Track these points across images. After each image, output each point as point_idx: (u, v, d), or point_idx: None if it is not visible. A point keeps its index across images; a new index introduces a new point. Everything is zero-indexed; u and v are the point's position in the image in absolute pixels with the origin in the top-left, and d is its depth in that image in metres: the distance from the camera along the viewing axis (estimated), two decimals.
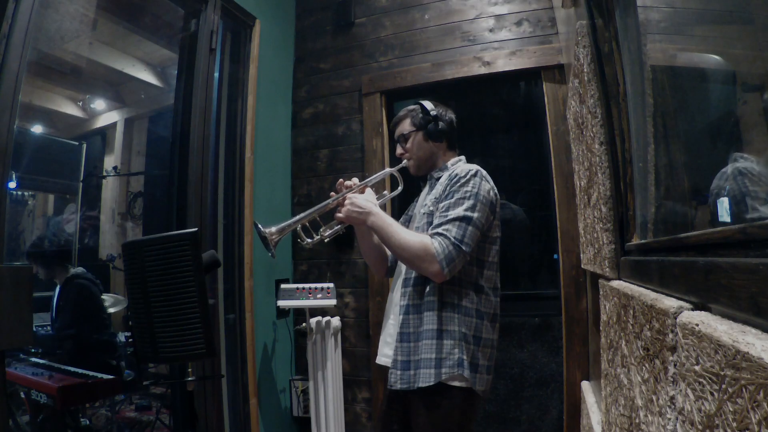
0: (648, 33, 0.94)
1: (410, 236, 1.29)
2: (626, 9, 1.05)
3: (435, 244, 1.23)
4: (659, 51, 0.93)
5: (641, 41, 0.96)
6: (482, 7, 2.54)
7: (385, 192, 1.58)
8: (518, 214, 2.50)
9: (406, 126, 1.49)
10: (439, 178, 1.45)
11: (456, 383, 1.25)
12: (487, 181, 1.34)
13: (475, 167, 1.34)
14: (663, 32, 0.92)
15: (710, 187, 0.71)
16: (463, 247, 1.23)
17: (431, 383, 1.24)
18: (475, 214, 1.26)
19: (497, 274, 1.38)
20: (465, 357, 1.25)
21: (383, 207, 1.47)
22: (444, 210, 1.29)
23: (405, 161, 1.50)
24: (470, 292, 1.31)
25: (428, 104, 1.47)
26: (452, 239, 1.23)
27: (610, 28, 1.12)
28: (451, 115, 1.50)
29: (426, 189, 1.52)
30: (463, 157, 1.52)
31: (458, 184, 1.31)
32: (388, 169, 1.57)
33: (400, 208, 2.54)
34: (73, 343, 2.49)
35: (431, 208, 1.37)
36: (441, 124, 1.45)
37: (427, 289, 1.32)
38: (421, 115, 1.47)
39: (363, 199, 1.40)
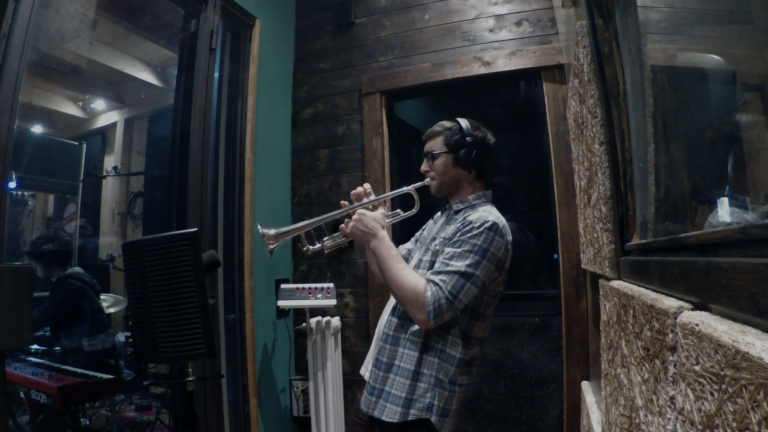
0: (648, 33, 0.94)
1: (407, 275, 1.24)
2: (626, 9, 1.05)
3: (428, 293, 1.19)
4: (659, 51, 0.93)
5: (641, 41, 0.96)
6: (482, 7, 2.54)
7: (399, 211, 1.49)
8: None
9: (437, 143, 1.40)
10: (458, 211, 1.38)
11: (422, 419, 1.24)
12: (501, 236, 1.25)
13: (492, 218, 1.25)
14: (663, 32, 0.92)
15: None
16: (455, 303, 1.19)
17: (395, 420, 1.23)
18: (477, 272, 1.21)
19: (489, 324, 1.34)
20: (436, 402, 1.23)
21: (389, 227, 1.41)
22: (447, 257, 1.23)
23: (428, 180, 1.42)
24: (457, 340, 1.27)
25: (466, 125, 1.37)
26: (446, 292, 1.19)
27: (610, 28, 1.12)
28: (489, 139, 1.40)
29: (443, 218, 1.44)
30: (489, 194, 1.42)
31: (469, 234, 1.23)
32: (406, 188, 1.46)
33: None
34: (66, 344, 2.49)
35: (437, 248, 1.32)
36: (474, 152, 1.35)
37: (414, 327, 1.28)
38: (457, 136, 1.36)
39: (372, 219, 1.33)
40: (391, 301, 1.39)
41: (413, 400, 1.24)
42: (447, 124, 1.41)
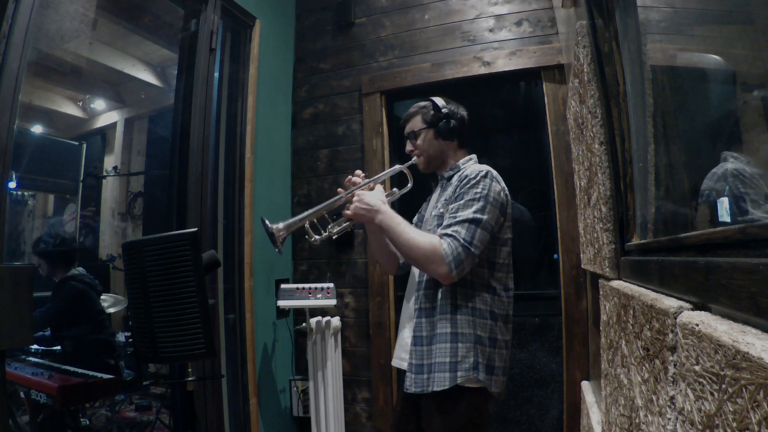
0: (648, 33, 0.94)
1: (419, 236, 1.27)
2: (626, 9, 1.05)
3: (444, 246, 1.22)
4: (659, 51, 0.93)
5: (641, 41, 0.96)
6: (482, 7, 2.54)
7: (395, 189, 1.55)
8: (525, 215, 2.51)
9: (416, 123, 1.47)
10: (450, 178, 1.43)
11: (471, 385, 1.25)
12: (498, 182, 1.32)
13: (485, 168, 1.32)
14: (663, 32, 0.92)
15: (701, 188, 0.71)
16: (472, 249, 1.22)
17: (446, 387, 1.24)
18: (485, 216, 1.25)
19: (509, 274, 1.38)
20: (480, 360, 1.25)
21: (392, 204, 1.45)
22: (453, 211, 1.28)
23: (414, 158, 1.48)
24: (483, 293, 1.30)
25: (440, 101, 1.45)
26: (461, 241, 1.22)
27: (610, 28, 1.12)
28: (462, 112, 1.48)
29: (438, 190, 1.50)
30: (474, 156, 1.49)
31: (468, 185, 1.29)
32: (398, 166, 1.53)
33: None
34: (66, 344, 2.50)
35: (441, 211, 1.36)
36: (452, 122, 1.42)
37: (440, 292, 1.31)
38: (432, 112, 1.45)
39: (372, 197, 1.38)
40: (412, 283, 1.42)
41: (458, 362, 1.25)
42: (421, 103, 1.50)
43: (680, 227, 0.82)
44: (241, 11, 2.43)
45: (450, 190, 1.36)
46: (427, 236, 1.27)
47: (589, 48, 1.20)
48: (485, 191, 1.28)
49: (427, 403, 1.30)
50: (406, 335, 1.39)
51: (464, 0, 2.58)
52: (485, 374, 1.25)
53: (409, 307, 1.41)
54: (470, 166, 1.41)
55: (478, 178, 1.29)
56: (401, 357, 1.40)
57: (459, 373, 1.24)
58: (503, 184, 1.35)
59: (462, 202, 1.28)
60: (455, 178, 1.39)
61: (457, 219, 1.25)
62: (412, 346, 1.33)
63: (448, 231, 1.24)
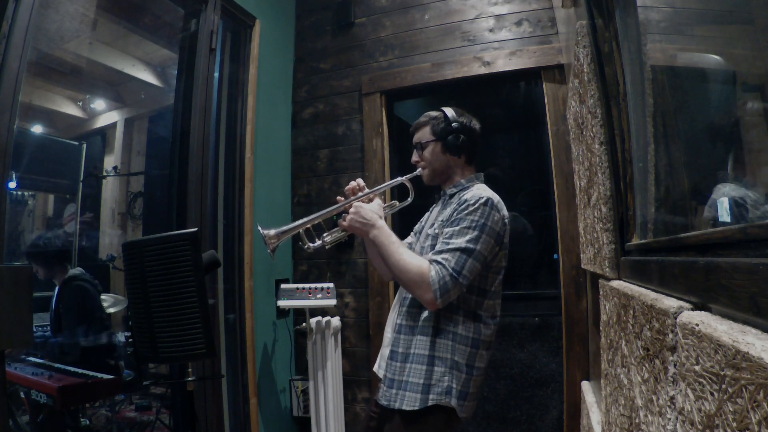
0: (648, 33, 0.94)
1: (409, 259, 1.25)
2: (626, 9, 1.05)
3: (432, 273, 1.20)
4: (659, 51, 0.93)
5: (641, 41, 0.96)
6: (482, 7, 2.54)
7: (395, 201, 1.52)
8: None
9: (425, 134, 1.43)
10: (453, 195, 1.40)
11: (441, 405, 1.25)
12: (497, 210, 1.28)
13: (486, 195, 1.28)
14: (663, 32, 0.92)
15: (703, 216, 0.71)
16: (460, 279, 1.20)
17: (416, 407, 1.23)
18: (478, 246, 1.22)
19: (497, 302, 1.35)
20: (455, 385, 1.24)
21: (389, 217, 1.43)
22: (447, 237, 1.25)
23: (419, 170, 1.45)
24: (467, 320, 1.28)
25: (451, 113, 1.41)
26: (450, 270, 1.20)
27: (610, 28, 1.12)
28: (474, 125, 1.43)
29: (439, 206, 1.47)
30: (481, 176, 1.45)
31: (466, 211, 1.26)
32: (399, 178, 1.50)
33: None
34: (72, 345, 2.49)
35: (437, 231, 1.33)
36: (462, 138, 1.38)
37: (425, 312, 1.29)
38: (442, 124, 1.40)
39: (368, 210, 1.35)
40: (399, 296, 1.41)
41: (431, 385, 1.24)
42: (432, 113, 1.45)
43: (680, 227, 0.82)
44: (241, 11, 2.43)
45: (449, 210, 1.33)
46: (417, 260, 1.25)
47: (589, 48, 1.20)
48: (482, 220, 1.24)
49: (392, 415, 1.29)
50: (387, 345, 1.39)
51: (464, 0, 2.58)
52: (457, 399, 1.24)
53: (392, 319, 1.40)
54: (473, 188, 1.36)
55: (477, 205, 1.25)
56: (381, 366, 1.40)
57: (431, 396, 1.23)
58: (504, 212, 1.31)
59: (457, 228, 1.25)
60: (456, 197, 1.36)
61: (449, 246, 1.23)
62: (388, 360, 1.33)
63: (438, 258, 1.22)
